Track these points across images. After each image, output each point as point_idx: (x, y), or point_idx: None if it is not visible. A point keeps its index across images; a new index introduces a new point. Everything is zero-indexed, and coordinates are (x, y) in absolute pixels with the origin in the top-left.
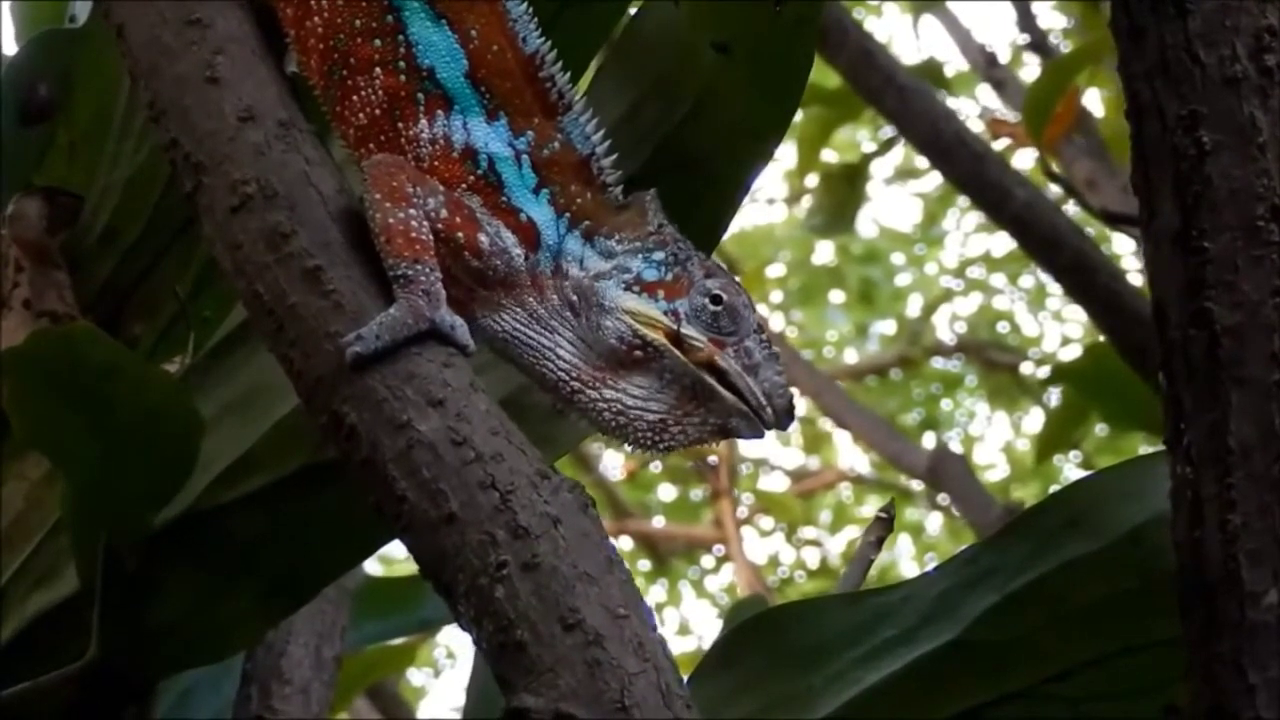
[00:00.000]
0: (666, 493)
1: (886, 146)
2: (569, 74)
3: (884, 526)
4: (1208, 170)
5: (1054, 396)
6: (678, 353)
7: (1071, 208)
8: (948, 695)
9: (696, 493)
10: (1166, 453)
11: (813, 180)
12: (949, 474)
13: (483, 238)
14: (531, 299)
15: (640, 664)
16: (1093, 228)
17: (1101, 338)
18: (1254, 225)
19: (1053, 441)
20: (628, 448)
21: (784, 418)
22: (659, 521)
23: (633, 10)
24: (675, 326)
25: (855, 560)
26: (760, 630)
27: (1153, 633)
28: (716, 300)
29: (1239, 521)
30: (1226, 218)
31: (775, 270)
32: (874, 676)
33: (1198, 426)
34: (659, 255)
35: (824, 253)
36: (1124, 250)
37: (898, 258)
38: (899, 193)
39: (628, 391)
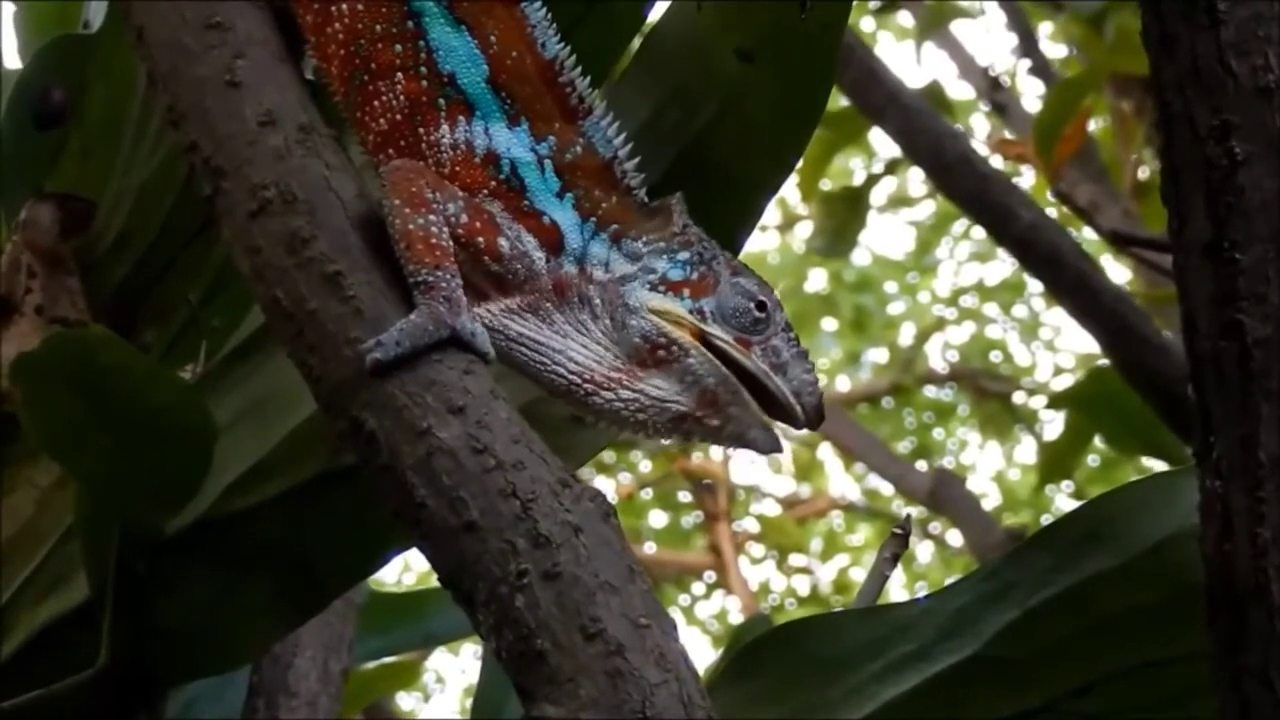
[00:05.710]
0: (658, 519)
1: (892, 169)
2: (589, 79)
3: (900, 543)
4: (1240, 181)
5: (1046, 426)
6: (705, 352)
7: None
8: (968, 710)
9: (688, 519)
10: (1195, 465)
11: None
12: (950, 497)
13: (503, 242)
14: (548, 303)
15: (662, 674)
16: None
17: (1100, 363)
18: None
19: (1055, 466)
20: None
21: (814, 415)
22: (650, 548)
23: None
24: (701, 325)
25: (871, 576)
26: (776, 644)
27: (1175, 647)
28: (745, 297)
29: (1269, 535)
30: (1259, 228)
31: None
32: (892, 691)
33: (1228, 439)
34: (684, 255)
35: (817, 280)
36: (1119, 278)
37: (891, 286)
38: (892, 221)
39: (645, 392)
